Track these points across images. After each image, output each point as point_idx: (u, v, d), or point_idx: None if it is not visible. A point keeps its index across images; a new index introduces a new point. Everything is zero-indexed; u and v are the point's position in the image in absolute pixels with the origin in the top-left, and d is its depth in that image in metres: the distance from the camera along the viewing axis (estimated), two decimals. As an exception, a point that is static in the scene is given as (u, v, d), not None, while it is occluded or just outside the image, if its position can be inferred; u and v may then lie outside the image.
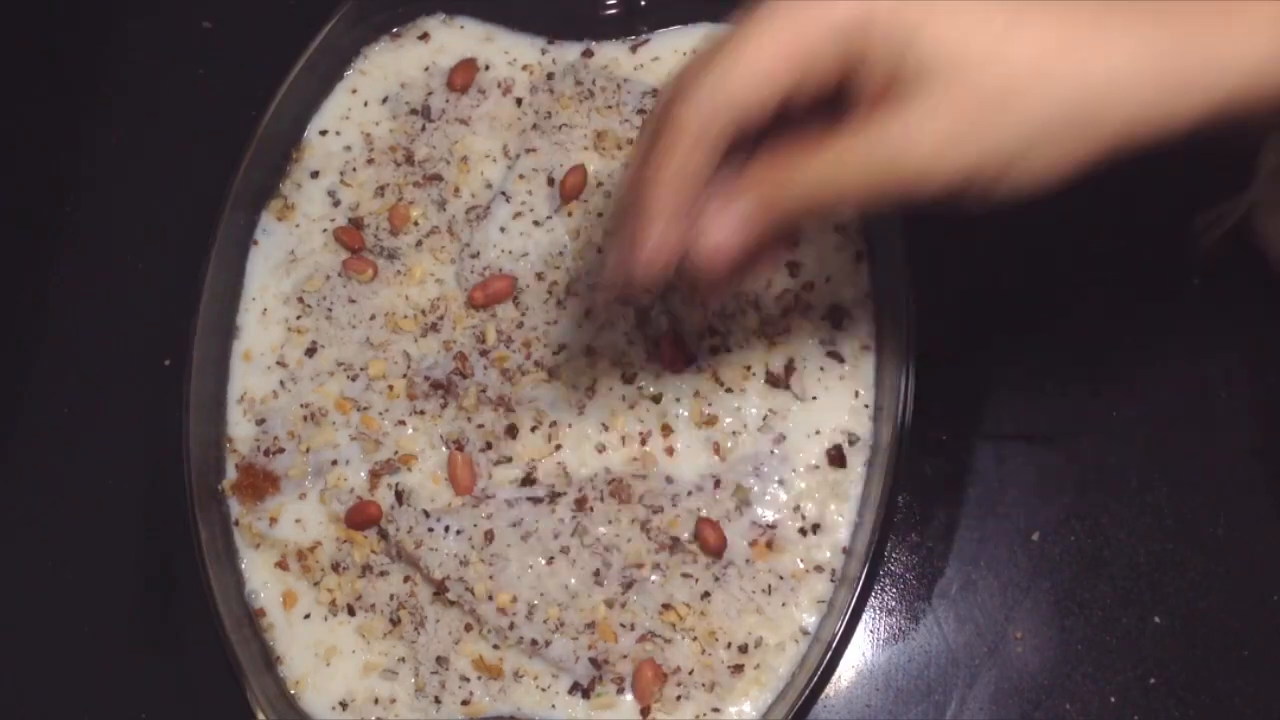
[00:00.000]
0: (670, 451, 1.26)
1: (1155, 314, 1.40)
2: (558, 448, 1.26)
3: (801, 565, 1.22)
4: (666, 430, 1.26)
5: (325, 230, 1.35)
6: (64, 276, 1.46)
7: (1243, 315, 1.39)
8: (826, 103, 0.90)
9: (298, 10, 1.52)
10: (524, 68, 1.40)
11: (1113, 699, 1.28)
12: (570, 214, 1.31)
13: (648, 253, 0.93)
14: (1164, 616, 1.30)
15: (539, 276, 1.30)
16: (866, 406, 1.27)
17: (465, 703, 1.20)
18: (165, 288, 1.40)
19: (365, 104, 1.39)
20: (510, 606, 1.19)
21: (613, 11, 1.39)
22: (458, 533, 1.21)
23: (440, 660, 1.21)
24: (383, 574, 1.24)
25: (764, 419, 1.26)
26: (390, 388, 1.28)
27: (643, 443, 1.26)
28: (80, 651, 1.33)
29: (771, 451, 1.25)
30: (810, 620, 1.21)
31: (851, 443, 1.26)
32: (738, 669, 1.19)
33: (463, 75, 1.38)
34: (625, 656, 1.19)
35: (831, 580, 1.22)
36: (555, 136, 1.34)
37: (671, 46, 1.39)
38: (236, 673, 1.15)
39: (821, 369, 1.28)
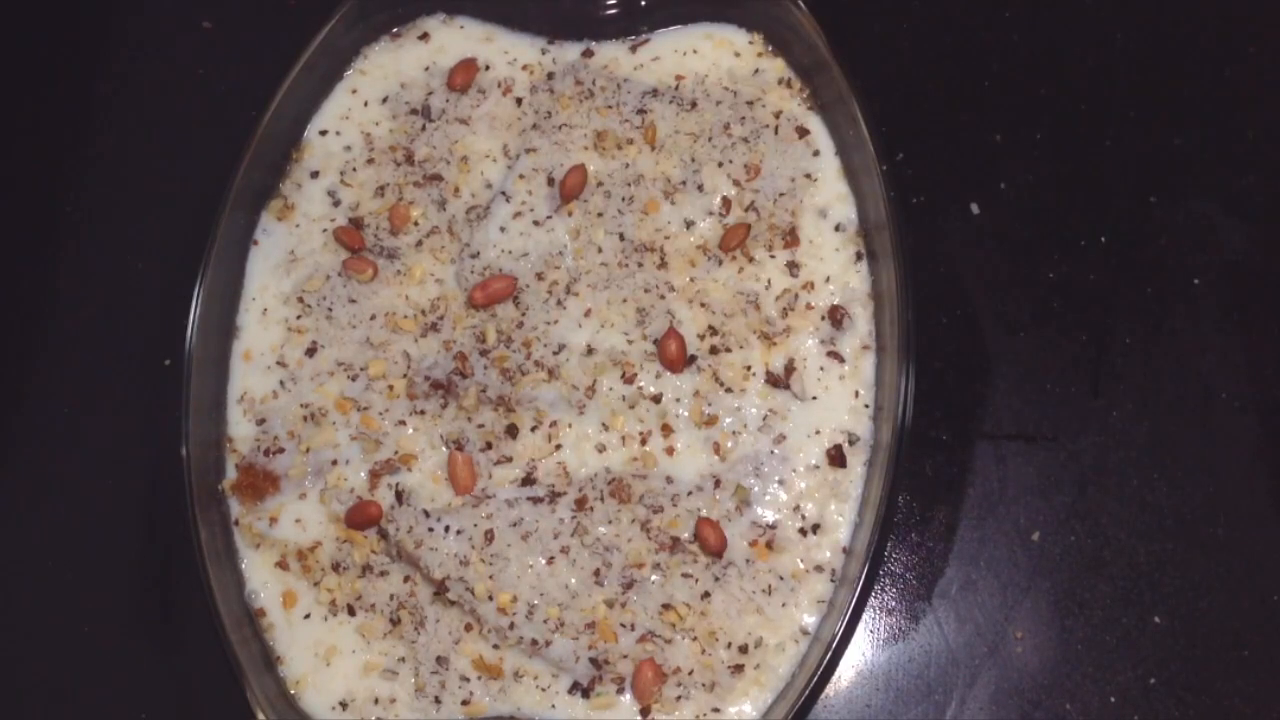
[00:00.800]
0: (670, 451, 1.26)
1: (1155, 314, 1.40)
2: (558, 448, 1.26)
3: (801, 565, 1.22)
4: (666, 430, 1.26)
5: (325, 230, 1.35)
6: (64, 276, 1.46)
7: (1243, 315, 1.39)
8: None
9: (298, 10, 1.53)
10: (524, 68, 1.40)
11: (1113, 699, 1.28)
12: (570, 214, 1.31)
13: None
14: (1164, 616, 1.30)
15: (539, 276, 1.30)
16: (866, 406, 1.27)
17: (465, 703, 1.19)
18: (165, 288, 1.40)
19: (365, 104, 1.39)
20: (510, 606, 1.19)
21: (613, 11, 1.39)
22: (458, 533, 1.21)
23: (440, 660, 1.21)
24: (383, 574, 1.24)
25: (764, 419, 1.26)
26: (390, 388, 1.28)
27: (643, 443, 1.26)
28: (80, 651, 1.33)
29: (771, 451, 1.25)
30: (810, 620, 1.21)
31: (851, 443, 1.25)
32: (738, 669, 1.19)
33: (463, 75, 1.38)
34: (625, 656, 1.19)
35: (831, 580, 1.22)
36: (555, 136, 1.34)
37: (671, 46, 1.39)
38: (236, 673, 1.15)
39: (821, 369, 1.28)
